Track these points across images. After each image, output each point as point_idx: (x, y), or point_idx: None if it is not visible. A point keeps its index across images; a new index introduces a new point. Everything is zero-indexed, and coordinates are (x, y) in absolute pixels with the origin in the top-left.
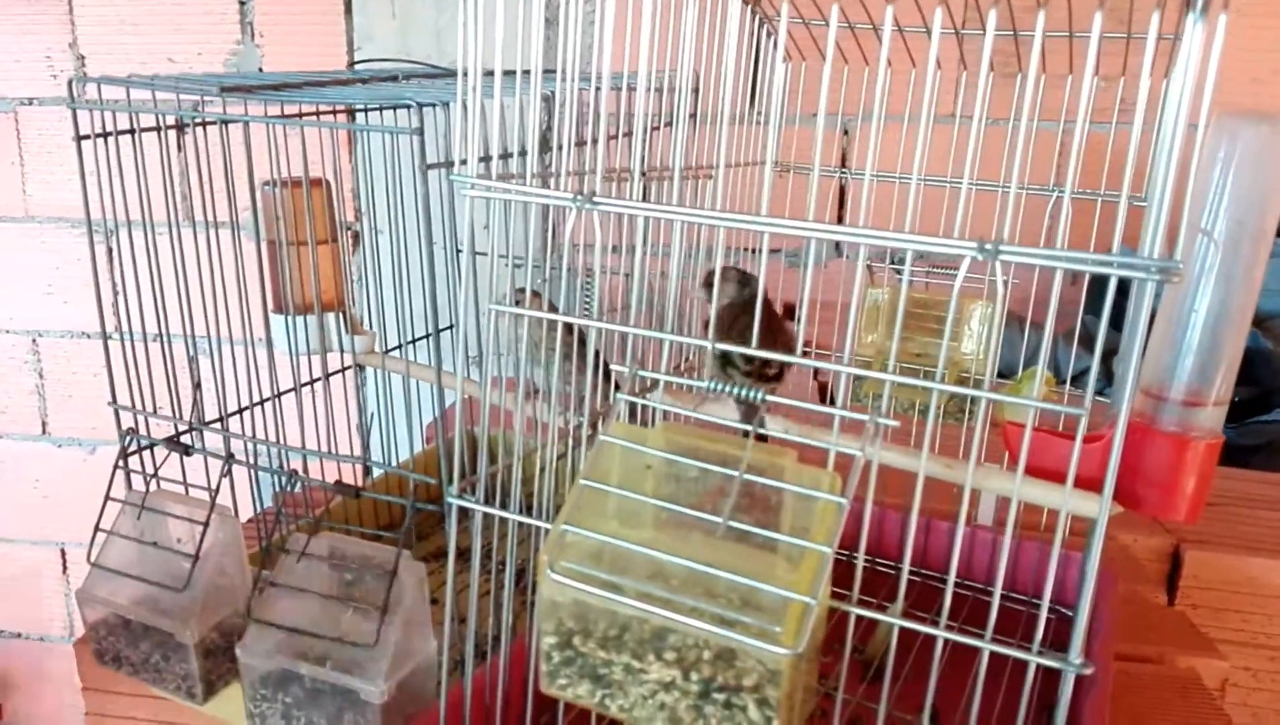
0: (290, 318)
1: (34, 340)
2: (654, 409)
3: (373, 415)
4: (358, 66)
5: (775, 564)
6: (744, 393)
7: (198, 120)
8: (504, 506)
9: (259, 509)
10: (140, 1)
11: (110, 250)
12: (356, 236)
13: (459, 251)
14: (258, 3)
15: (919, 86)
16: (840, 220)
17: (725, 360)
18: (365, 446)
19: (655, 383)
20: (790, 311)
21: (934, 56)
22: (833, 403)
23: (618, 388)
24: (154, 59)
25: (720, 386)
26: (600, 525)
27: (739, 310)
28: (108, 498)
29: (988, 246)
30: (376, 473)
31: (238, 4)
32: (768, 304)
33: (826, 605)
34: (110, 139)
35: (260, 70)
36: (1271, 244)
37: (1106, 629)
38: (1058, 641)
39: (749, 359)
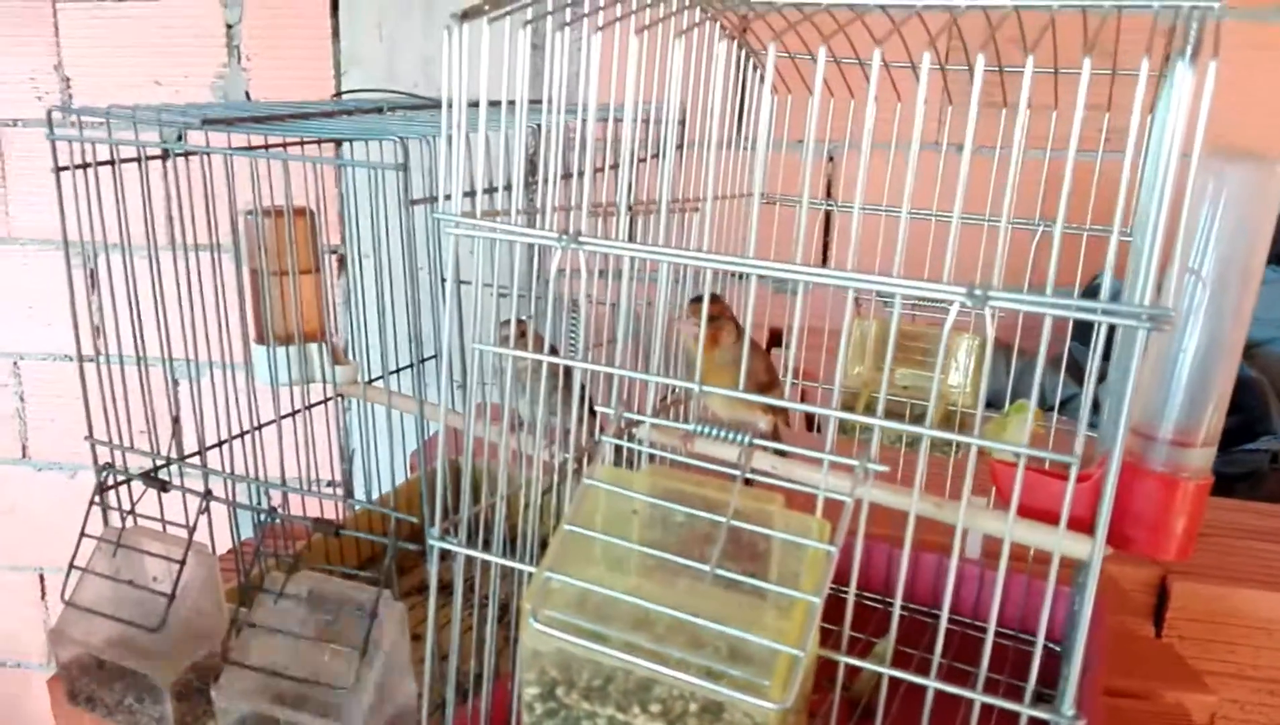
0: (272, 348)
1: (15, 363)
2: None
3: (354, 451)
4: (344, 96)
5: (764, 612)
6: (730, 436)
7: (179, 151)
8: (487, 546)
9: (237, 543)
10: (126, 25)
11: (91, 274)
12: (342, 260)
13: (443, 281)
14: (245, 27)
15: (905, 122)
16: (826, 247)
17: None
18: (347, 481)
19: (640, 423)
20: (776, 339)
21: (922, 96)
22: (819, 433)
23: (603, 429)
24: (140, 81)
25: (707, 429)
26: (584, 571)
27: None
28: (83, 534)
29: (977, 292)
30: (358, 507)
31: (225, 27)
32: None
33: (815, 655)
34: (90, 169)
35: (247, 94)
36: (1260, 282)
37: (1095, 666)
38: (1045, 676)
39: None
